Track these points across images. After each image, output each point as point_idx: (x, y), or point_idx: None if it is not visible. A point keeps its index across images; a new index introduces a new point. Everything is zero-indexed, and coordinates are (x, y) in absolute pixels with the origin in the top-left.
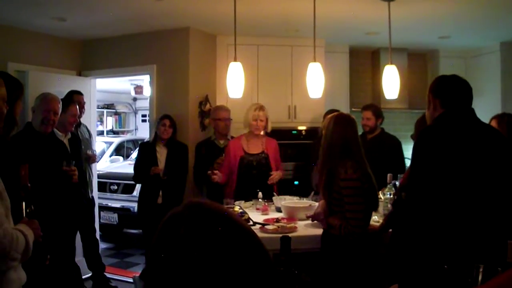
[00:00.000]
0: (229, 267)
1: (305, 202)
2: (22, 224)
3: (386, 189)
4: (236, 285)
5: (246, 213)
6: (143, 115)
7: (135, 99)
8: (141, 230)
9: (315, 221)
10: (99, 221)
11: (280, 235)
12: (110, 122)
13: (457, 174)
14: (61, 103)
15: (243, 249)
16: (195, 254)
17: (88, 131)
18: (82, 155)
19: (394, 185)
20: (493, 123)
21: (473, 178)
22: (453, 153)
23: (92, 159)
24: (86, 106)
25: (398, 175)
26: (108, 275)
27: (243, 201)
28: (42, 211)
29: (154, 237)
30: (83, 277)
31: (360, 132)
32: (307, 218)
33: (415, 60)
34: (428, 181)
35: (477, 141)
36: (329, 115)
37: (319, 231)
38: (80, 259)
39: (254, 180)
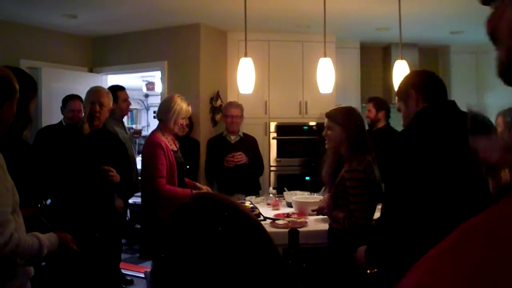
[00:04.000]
0: (236, 258)
1: (315, 197)
2: (51, 233)
3: None
4: (242, 277)
5: (257, 208)
6: (155, 111)
7: (146, 96)
8: None
9: (326, 216)
10: None
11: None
12: None
13: (456, 169)
14: (110, 96)
15: (250, 241)
16: (202, 245)
17: (125, 128)
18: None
19: None
20: (499, 119)
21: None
22: (447, 148)
23: (138, 134)
24: None
25: None
26: (121, 271)
27: (254, 196)
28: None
29: (162, 228)
30: None
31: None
32: (313, 212)
33: (426, 56)
34: (425, 178)
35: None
36: (335, 108)
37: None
38: None
39: None
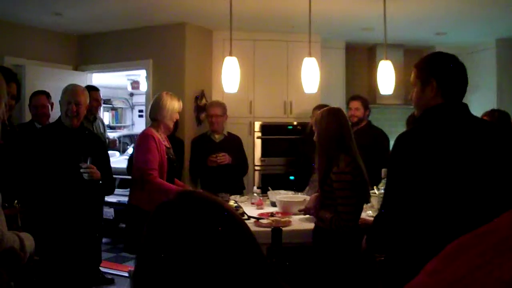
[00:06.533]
0: (218, 255)
1: (299, 196)
2: (25, 233)
3: (381, 184)
4: (225, 274)
5: (241, 207)
6: (140, 111)
7: (131, 95)
8: None
9: (310, 216)
10: None
11: None
12: (107, 118)
13: (460, 173)
14: (87, 93)
15: (233, 238)
16: (185, 242)
17: (103, 125)
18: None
19: None
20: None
21: (480, 181)
22: (455, 151)
23: (113, 143)
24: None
25: (382, 169)
26: (104, 269)
27: (238, 196)
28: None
29: (145, 225)
30: None
31: None
32: (299, 212)
33: (412, 57)
34: (425, 185)
35: (481, 141)
36: (321, 110)
37: (313, 226)
38: None
39: None
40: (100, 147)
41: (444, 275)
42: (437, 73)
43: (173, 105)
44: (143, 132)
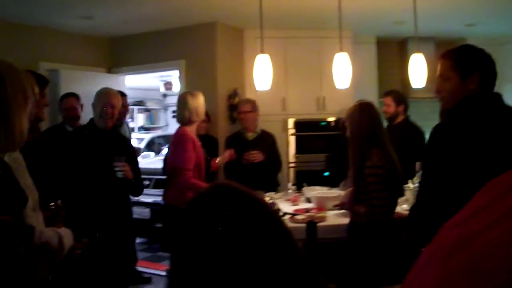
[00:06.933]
0: (253, 247)
1: (334, 192)
2: (65, 228)
3: (415, 178)
4: (260, 266)
5: (276, 203)
6: (174, 111)
7: (165, 96)
8: None
9: (345, 211)
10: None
11: None
12: (141, 119)
13: (497, 165)
14: (119, 97)
15: (268, 230)
16: (219, 234)
17: (129, 129)
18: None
19: None
20: None
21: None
22: (492, 142)
23: (137, 152)
24: None
25: (416, 163)
26: (141, 269)
27: (273, 192)
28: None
29: (181, 218)
30: None
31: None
32: (334, 207)
33: (443, 49)
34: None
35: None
36: (352, 105)
37: (348, 221)
38: None
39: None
40: (130, 149)
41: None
42: (480, 66)
43: (197, 102)
44: (178, 132)
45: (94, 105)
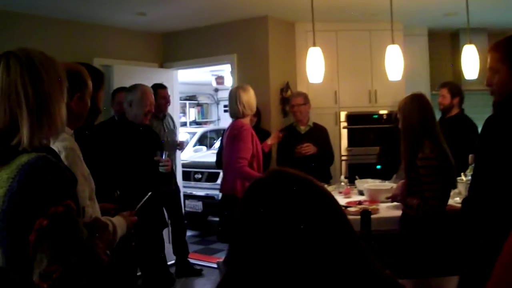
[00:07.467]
0: (310, 230)
1: (387, 184)
2: (118, 216)
3: (468, 170)
4: (316, 248)
5: None
6: (225, 106)
7: (216, 90)
8: None
9: (398, 203)
10: (184, 209)
11: None
12: (192, 113)
13: None
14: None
15: (324, 212)
16: (277, 219)
17: (173, 121)
18: (165, 146)
19: None
20: None
21: None
22: None
23: (181, 146)
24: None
25: (470, 155)
26: (193, 261)
27: (325, 185)
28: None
29: (238, 204)
30: (168, 263)
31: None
32: (387, 199)
33: (496, 40)
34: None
35: None
36: (404, 97)
37: (400, 213)
38: (166, 245)
39: None
40: (160, 144)
41: None
42: None
43: (249, 96)
44: (237, 124)
45: (135, 102)
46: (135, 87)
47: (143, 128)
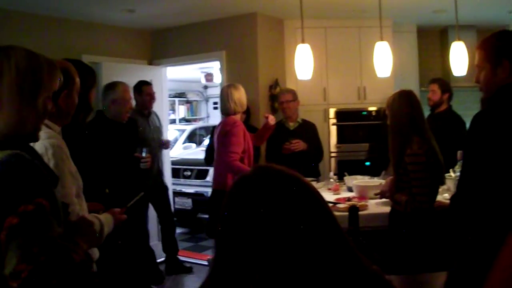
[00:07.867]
0: (295, 224)
1: (376, 181)
2: (106, 213)
3: (457, 167)
4: (301, 243)
5: None
6: (215, 103)
7: (205, 87)
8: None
9: (387, 199)
10: (174, 206)
11: None
12: (182, 111)
13: None
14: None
15: (309, 207)
16: (262, 214)
17: (159, 119)
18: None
19: None
20: None
21: None
22: None
23: (166, 145)
24: (158, 95)
25: (458, 151)
26: (183, 258)
27: (315, 182)
28: (116, 195)
29: (224, 200)
30: (157, 260)
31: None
32: (375, 195)
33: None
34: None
35: None
36: (392, 94)
37: (389, 209)
38: (155, 243)
39: None
40: (143, 139)
41: None
42: (507, 52)
43: (240, 94)
44: (230, 120)
45: (119, 100)
46: (115, 85)
47: (127, 124)
